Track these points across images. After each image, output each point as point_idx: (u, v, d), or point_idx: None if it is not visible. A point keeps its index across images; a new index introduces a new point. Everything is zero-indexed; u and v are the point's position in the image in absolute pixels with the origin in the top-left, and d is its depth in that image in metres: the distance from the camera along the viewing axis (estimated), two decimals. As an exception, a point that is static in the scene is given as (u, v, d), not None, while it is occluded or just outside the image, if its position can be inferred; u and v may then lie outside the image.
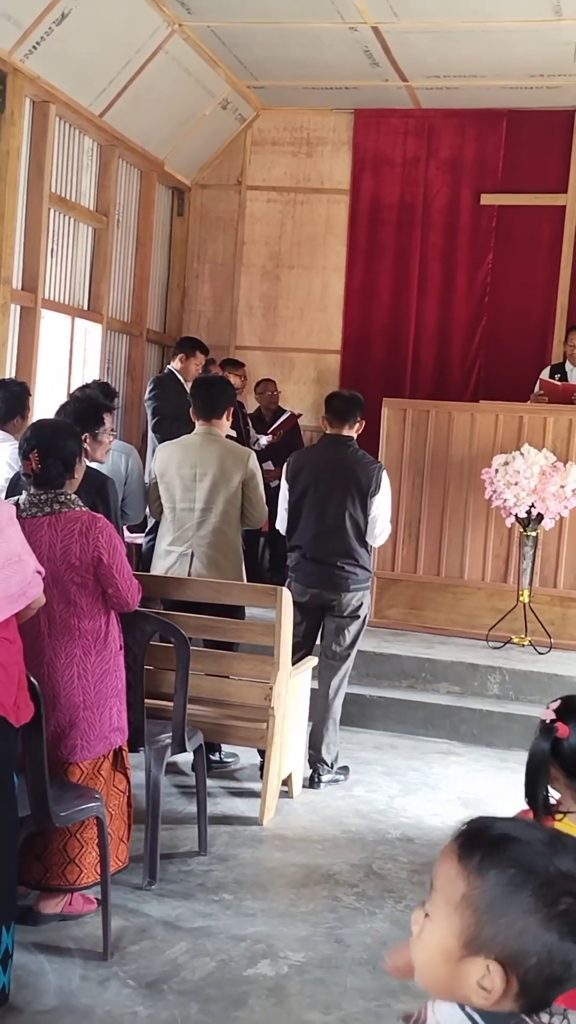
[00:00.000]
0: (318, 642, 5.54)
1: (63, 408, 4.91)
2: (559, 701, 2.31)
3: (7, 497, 4.51)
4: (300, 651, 5.26)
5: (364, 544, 5.42)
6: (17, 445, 5.53)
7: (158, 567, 5.39)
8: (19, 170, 7.37)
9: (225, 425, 5.51)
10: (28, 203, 7.58)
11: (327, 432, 5.56)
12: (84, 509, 3.74)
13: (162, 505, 5.45)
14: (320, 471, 5.42)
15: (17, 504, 3.70)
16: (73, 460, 3.79)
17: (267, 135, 10.01)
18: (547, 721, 2.24)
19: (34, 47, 7.09)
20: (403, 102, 9.43)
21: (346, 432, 5.47)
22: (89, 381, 6.69)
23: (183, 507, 5.36)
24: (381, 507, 5.40)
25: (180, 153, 9.57)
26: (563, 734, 2.21)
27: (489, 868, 1.30)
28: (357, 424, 5.50)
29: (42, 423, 3.98)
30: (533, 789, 2.23)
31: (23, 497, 3.72)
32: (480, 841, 1.33)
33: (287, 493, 5.50)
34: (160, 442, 6.15)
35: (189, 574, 5.26)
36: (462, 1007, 1.33)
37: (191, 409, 5.50)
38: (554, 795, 2.27)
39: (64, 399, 5.67)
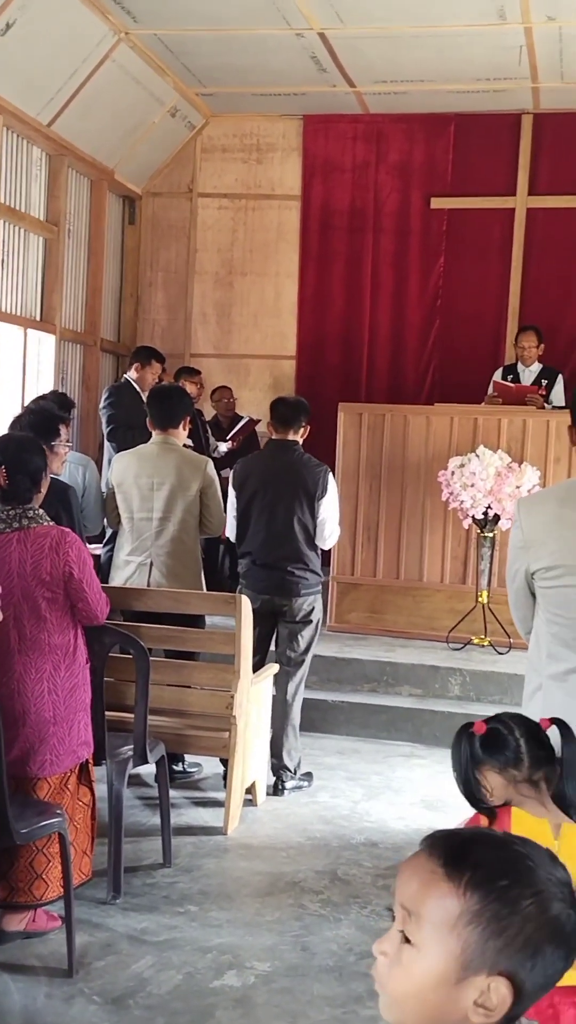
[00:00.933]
0: (273, 648, 5.53)
1: (17, 420, 4.87)
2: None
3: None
4: (255, 657, 5.25)
5: (314, 548, 5.43)
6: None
7: (117, 577, 5.37)
8: (-33, 181, 7.32)
9: (182, 435, 5.51)
10: (-23, 214, 7.53)
11: (272, 438, 5.58)
12: (52, 524, 3.73)
13: (119, 515, 5.43)
14: (267, 477, 5.43)
15: None
16: (40, 475, 3.78)
17: (217, 142, 10.00)
18: (469, 731, 2.35)
19: (-21, 57, 7.04)
20: (351, 107, 9.47)
21: (291, 437, 5.48)
22: (45, 392, 6.64)
23: (141, 517, 5.35)
24: (329, 510, 5.41)
25: (130, 161, 9.55)
26: (479, 730, 2.33)
27: (484, 881, 1.26)
28: (302, 429, 5.51)
29: (7, 438, 3.96)
30: (472, 793, 2.32)
31: None
32: (464, 857, 1.29)
33: (235, 500, 5.50)
34: (116, 451, 6.13)
35: (148, 584, 5.25)
36: None
37: (148, 419, 5.48)
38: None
39: (18, 411, 5.63)
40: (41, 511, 3.76)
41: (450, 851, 1.30)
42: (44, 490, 3.86)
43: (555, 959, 1.26)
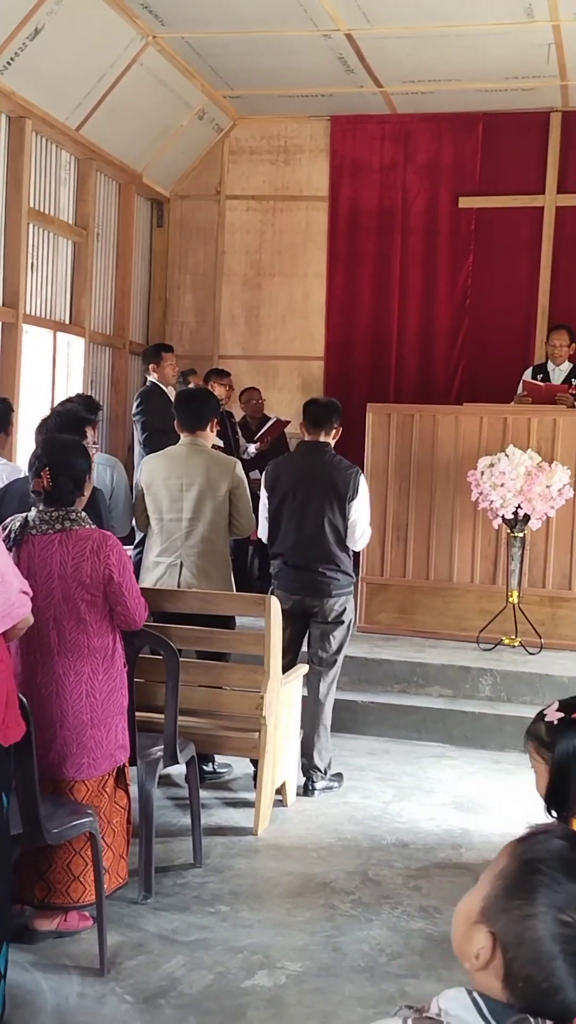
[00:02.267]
0: (305, 649, 5.53)
1: (44, 422, 4.89)
2: (556, 703, 2.37)
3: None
4: (285, 658, 5.25)
5: (345, 549, 5.42)
6: (1, 461, 5.56)
7: (147, 579, 5.38)
8: (-3, 186, 7.38)
9: (210, 436, 5.52)
10: (7, 218, 7.59)
11: (304, 439, 5.58)
12: (93, 527, 3.74)
13: (148, 517, 5.45)
14: (298, 478, 5.43)
15: (26, 521, 3.70)
16: (83, 478, 3.79)
17: (244, 144, 10.03)
18: (555, 722, 2.30)
19: (8, 63, 7.09)
20: (379, 107, 9.46)
21: (322, 439, 5.47)
22: (72, 395, 6.68)
23: (171, 518, 5.36)
24: (360, 511, 5.40)
25: (158, 165, 9.58)
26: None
27: (523, 856, 1.40)
28: (334, 430, 5.50)
29: (52, 440, 3.97)
30: (565, 791, 2.30)
31: (32, 514, 3.73)
32: (536, 834, 1.43)
33: (267, 501, 5.50)
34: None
35: (179, 584, 5.26)
36: (468, 991, 1.39)
37: (175, 421, 5.50)
38: None
39: (47, 414, 5.64)
40: (83, 514, 3.76)
41: (537, 828, 1.46)
42: (87, 493, 3.87)
43: (557, 968, 1.34)
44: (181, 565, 5.32)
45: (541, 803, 2.41)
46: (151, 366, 7.66)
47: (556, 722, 2.33)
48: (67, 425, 4.65)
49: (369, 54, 8.26)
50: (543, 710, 2.43)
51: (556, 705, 2.38)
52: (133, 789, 4.01)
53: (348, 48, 8.14)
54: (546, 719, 2.38)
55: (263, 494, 5.55)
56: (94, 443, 4.92)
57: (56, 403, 6.66)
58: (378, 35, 7.89)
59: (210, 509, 5.31)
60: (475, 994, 1.38)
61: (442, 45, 8.00)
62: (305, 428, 5.54)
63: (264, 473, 5.64)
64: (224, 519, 5.36)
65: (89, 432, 4.83)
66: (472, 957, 1.38)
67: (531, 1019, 1.34)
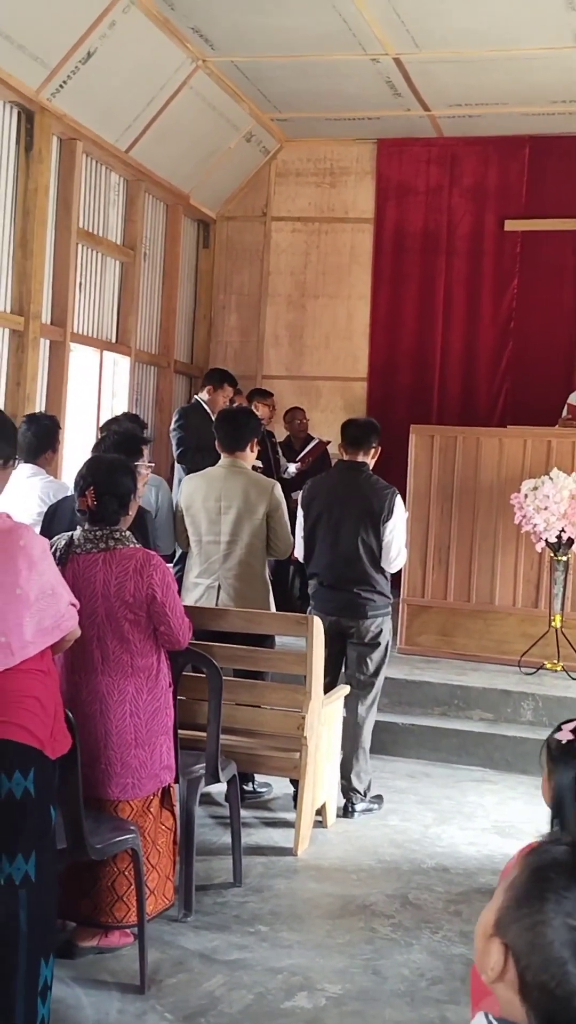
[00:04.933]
0: (344, 670, 5.52)
1: (101, 441, 4.92)
2: (574, 722, 2.35)
3: (41, 532, 4.54)
4: (325, 679, 5.24)
5: (380, 570, 5.40)
6: (48, 479, 5.61)
7: (186, 599, 5.39)
8: (47, 206, 7.48)
9: (250, 457, 5.52)
10: (56, 238, 7.69)
11: (342, 459, 5.58)
12: (137, 546, 3.75)
13: (188, 537, 5.47)
14: (333, 498, 5.43)
15: (71, 539, 3.74)
16: (128, 497, 3.80)
17: (291, 166, 10.10)
18: (562, 741, 2.27)
19: (61, 86, 7.21)
20: (426, 131, 9.50)
21: (360, 458, 5.47)
22: (119, 414, 6.72)
23: (209, 540, 5.37)
24: (395, 532, 5.37)
25: (205, 186, 9.67)
26: None
27: (532, 865, 1.39)
28: (372, 450, 5.49)
29: (98, 459, 3.99)
30: (563, 819, 2.28)
31: (77, 533, 3.76)
32: (545, 843, 1.43)
33: (302, 521, 5.51)
34: (186, 473, 6.18)
35: (216, 606, 5.26)
36: (486, 1015, 1.42)
37: (216, 441, 5.52)
38: None
39: (94, 432, 5.69)
40: (128, 533, 3.78)
41: (551, 836, 1.46)
42: (132, 512, 3.89)
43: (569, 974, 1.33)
44: (219, 588, 5.33)
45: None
46: (208, 387, 7.61)
47: (564, 742, 2.32)
48: (124, 444, 4.66)
49: (417, 78, 8.31)
50: (563, 723, 2.42)
51: (574, 724, 2.36)
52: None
53: (396, 72, 8.19)
54: (558, 734, 2.37)
55: (299, 513, 5.56)
56: (150, 463, 4.93)
57: (102, 422, 6.70)
58: (426, 59, 7.93)
59: (248, 532, 5.32)
60: (490, 1016, 1.41)
61: (489, 69, 8.03)
62: (343, 448, 5.55)
63: (301, 492, 5.65)
64: (262, 542, 5.36)
65: (145, 451, 4.85)
66: (488, 970, 1.39)
67: None
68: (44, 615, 3.00)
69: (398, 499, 5.43)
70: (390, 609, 5.55)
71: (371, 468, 5.50)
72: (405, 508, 5.59)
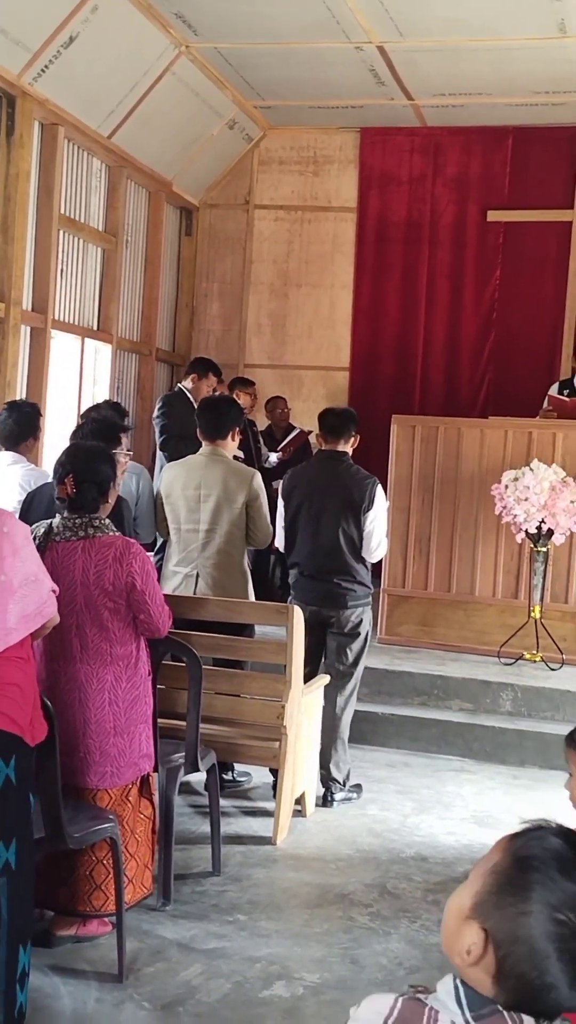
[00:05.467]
0: (323, 660, 5.52)
1: (79, 428, 4.90)
2: None
3: (21, 518, 4.51)
4: (305, 668, 5.24)
5: (361, 560, 5.39)
6: (28, 466, 5.59)
7: (165, 588, 5.37)
8: (28, 192, 7.43)
9: (231, 446, 5.50)
10: (37, 224, 7.64)
11: (321, 448, 5.57)
12: (117, 534, 3.74)
13: (168, 525, 5.45)
14: (314, 488, 5.42)
15: (50, 527, 3.72)
16: (108, 485, 3.79)
17: (274, 154, 10.06)
18: None
19: (42, 70, 7.15)
20: (409, 120, 9.48)
21: (340, 448, 5.46)
22: (99, 402, 6.70)
23: (188, 528, 5.36)
24: (376, 522, 5.37)
25: (188, 173, 9.63)
26: None
27: (518, 852, 1.39)
28: (352, 439, 5.48)
29: (76, 447, 3.97)
30: None
31: (56, 521, 3.74)
32: (532, 830, 1.42)
33: (283, 511, 5.50)
34: (168, 461, 6.16)
35: (195, 595, 5.25)
36: (454, 977, 1.42)
37: (197, 429, 5.50)
38: None
39: (75, 419, 5.67)
40: (107, 521, 3.76)
41: (533, 824, 1.45)
42: (112, 500, 3.87)
43: (550, 966, 1.33)
44: (197, 576, 5.32)
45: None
46: (192, 376, 7.55)
47: None
48: (102, 432, 4.65)
49: (400, 67, 8.28)
50: None
51: None
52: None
53: (380, 60, 8.17)
54: None
55: (280, 503, 5.55)
56: (128, 450, 4.92)
57: (83, 409, 6.67)
58: (410, 48, 7.91)
59: (227, 520, 5.30)
60: (458, 981, 1.41)
61: (473, 59, 8.02)
62: (322, 438, 5.54)
63: (281, 482, 5.64)
64: (241, 531, 5.34)
65: (123, 439, 4.84)
66: (463, 952, 1.38)
67: (504, 1013, 1.34)
68: (27, 602, 2.99)
69: (379, 489, 5.42)
70: (370, 599, 5.55)
71: (350, 456, 5.50)
72: (386, 498, 5.59)
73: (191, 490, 5.34)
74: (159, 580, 5.54)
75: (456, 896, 1.43)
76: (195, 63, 8.33)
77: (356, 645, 5.42)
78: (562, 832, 1.42)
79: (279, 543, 5.60)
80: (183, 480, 5.38)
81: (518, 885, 1.36)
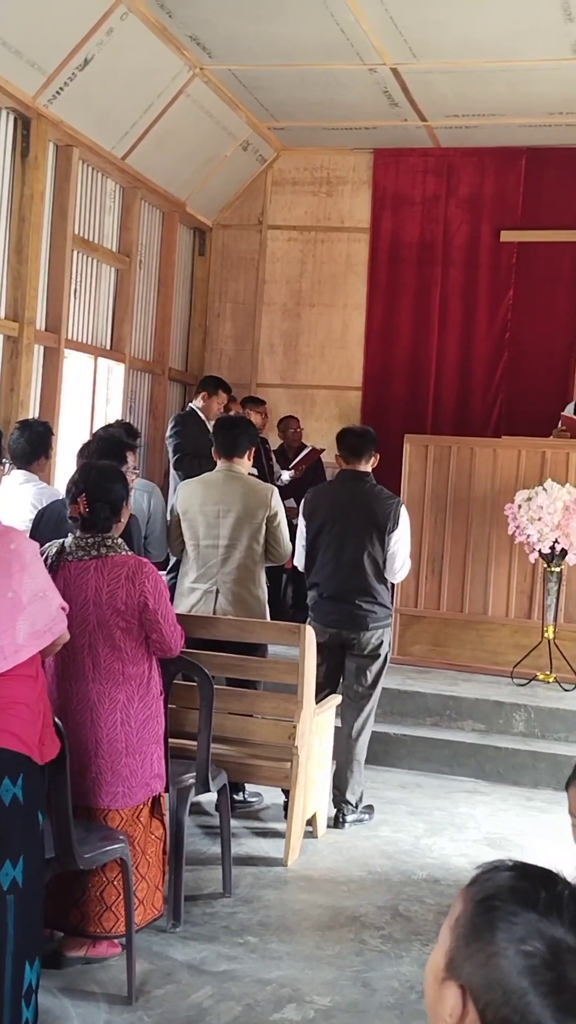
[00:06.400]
0: (341, 681, 5.49)
1: (86, 447, 4.91)
2: None
3: (30, 535, 4.51)
4: (323, 691, 5.21)
5: (383, 581, 5.37)
6: (40, 485, 5.59)
7: (182, 605, 5.37)
8: (43, 213, 7.46)
9: (247, 464, 5.50)
10: (52, 245, 7.67)
11: (343, 468, 5.55)
12: (130, 554, 3.74)
13: (183, 543, 5.44)
14: (337, 508, 5.40)
15: (63, 547, 3.72)
16: (120, 504, 3.78)
17: (287, 175, 10.10)
18: None
19: (57, 92, 7.20)
20: (422, 141, 9.51)
21: (362, 467, 5.45)
22: (112, 421, 6.71)
23: (207, 544, 5.35)
24: (400, 543, 5.35)
25: (201, 194, 9.67)
26: None
27: (476, 897, 1.32)
28: (373, 458, 5.48)
29: (89, 466, 3.98)
30: None
31: (69, 540, 3.74)
32: (483, 872, 1.36)
33: (304, 530, 5.48)
34: (182, 479, 6.16)
35: (214, 611, 5.24)
36: None
37: (213, 448, 5.51)
38: None
39: (87, 438, 5.67)
40: (120, 540, 3.76)
41: (489, 864, 1.37)
42: (124, 520, 3.87)
43: (530, 1003, 1.26)
44: (217, 592, 5.31)
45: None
46: (203, 394, 7.60)
47: None
48: (108, 450, 4.67)
49: (414, 88, 8.31)
50: None
51: None
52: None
53: (393, 82, 8.20)
54: None
55: (301, 523, 5.53)
56: (135, 468, 4.93)
57: (96, 428, 6.69)
58: (423, 70, 7.94)
59: (247, 536, 5.30)
60: None
61: (487, 80, 8.04)
62: (342, 458, 5.52)
63: (303, 501, 5.62)
64: (260, 546, 5.34)
65: (130, 457, 4.85)
66: (446, 1017, 1.30)
67: None
68: (36, 618, 2.99)
69: (403, 509, 5.40)
70: (391, 621, 5.52)
71: (372, 476, 5.48)
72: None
73: (210, 506, 5.33)
74: (174, 598, 5.59)
75: (431, 960, 1.37)
76: (209, 85, 8.38)
77: (376, 667, 5.38)
78: (516, 866, 1.37)
79: (298, 562, 5.59)
80: (201, 496, 5.37)
81: (482, 929, 1.30)
